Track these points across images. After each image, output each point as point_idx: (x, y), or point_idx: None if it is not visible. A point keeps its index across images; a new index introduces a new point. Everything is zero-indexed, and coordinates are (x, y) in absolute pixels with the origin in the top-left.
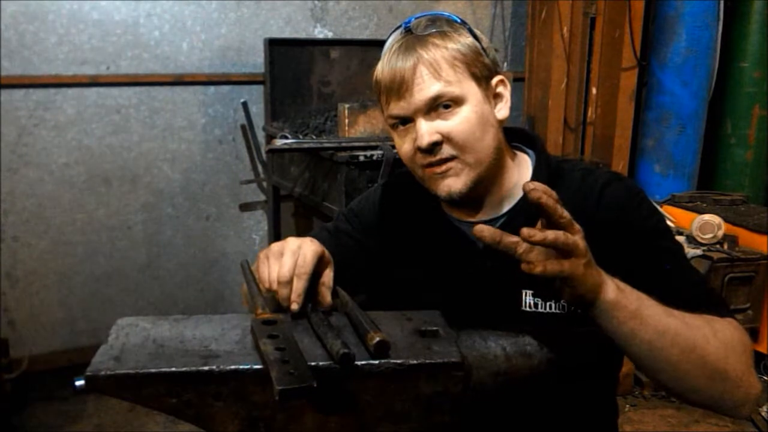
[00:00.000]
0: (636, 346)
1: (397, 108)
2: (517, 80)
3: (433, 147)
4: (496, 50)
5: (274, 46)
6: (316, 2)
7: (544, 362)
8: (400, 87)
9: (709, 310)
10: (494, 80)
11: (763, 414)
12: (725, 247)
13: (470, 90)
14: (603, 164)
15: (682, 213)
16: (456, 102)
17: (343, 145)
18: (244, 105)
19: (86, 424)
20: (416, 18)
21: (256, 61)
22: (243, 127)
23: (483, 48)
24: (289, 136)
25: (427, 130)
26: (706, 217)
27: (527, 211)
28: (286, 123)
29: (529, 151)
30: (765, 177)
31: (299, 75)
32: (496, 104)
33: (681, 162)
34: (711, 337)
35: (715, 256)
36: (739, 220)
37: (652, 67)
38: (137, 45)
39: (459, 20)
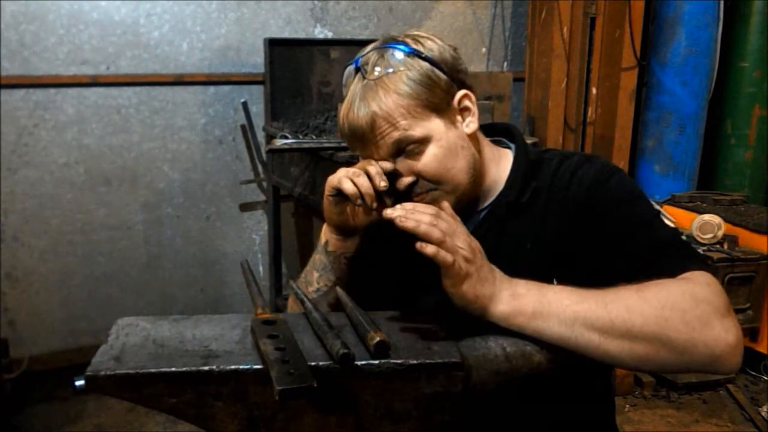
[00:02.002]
0: (548, 341)
1: (366, 154)
2: (517, 80)
3: (410, 188)
4: (454, 50)
5: (274, 46)
6: (316, 2)
7: (544, 362)
8: (361, 140)
9: (670, 271)
10: (456, 98)
11: (763, 414)
12: (725, 247)
13: (431, 125)
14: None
15: (682, 213)
16: (420, 142)
17: (343, 145)
18: (244, 105)
19: (86, 424)
20: (364, 55)
21: (256, 61)
22: (243, 127)
23: (438, 66)
24: (289, 136)
25: (402, 171)
26: (706, 217)
27: (507, 201)
28: (286, 123)
29: (510, 144)
30: (765, 177)
31: (299, 75)
32: (464, 119)
33: (681, 162)
34: (639, 307)
35: (715, 256)
36: (739, 220)
37: (652, 67)
38: (137, 45)
39: (407, 49)
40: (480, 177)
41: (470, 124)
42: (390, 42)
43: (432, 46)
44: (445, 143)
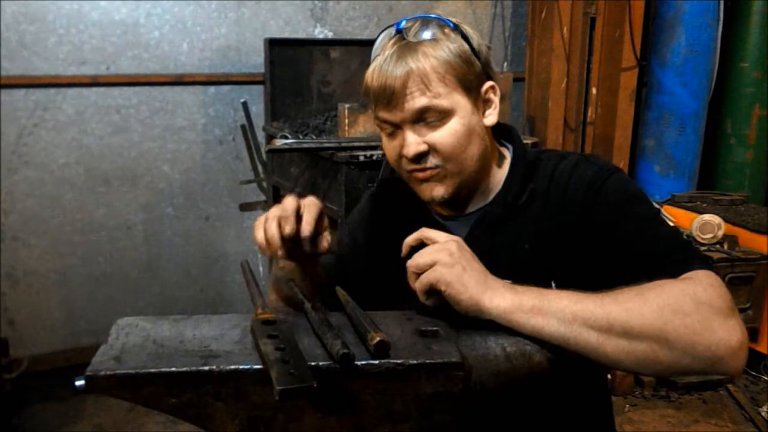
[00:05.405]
0: (547, 339)
1: (385, 113)
2: (517, 80)
3: (419, 157)
4: (488, 47)
5: (274, 46)
6: (316, 2)
7: (544, 362)
8: (390, 98)
9: (673, 271)
10: (484, 87)
11: (763, 414)
12: (725, 247)
13: (459, 102)
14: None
15: (682, 213)
16: (444, 114)
17: (343, 145)
18: (244, 105)
19: (86, 424)
20: (408, 20)
21: (256, 61)
22: (243, 127)
23: (475, 51)
24: (289, 136)
25: (413, 140)
26: (706, 217)
27: (504, 203)
28: (286, 123)
29: (508, 145)
30: (765, 177)
31: (299, 75)
32: (485, 110)
33: (681, 162)
34: (638, 309)
35: (715, 256)
36: (739, 220)
37: (652, 67)
38: (137, 45)
39: (451, 24)
40: (484, 172)
41: (490, 116)
42: (434, 15)
43: (472, 34)
44: (467, 123)
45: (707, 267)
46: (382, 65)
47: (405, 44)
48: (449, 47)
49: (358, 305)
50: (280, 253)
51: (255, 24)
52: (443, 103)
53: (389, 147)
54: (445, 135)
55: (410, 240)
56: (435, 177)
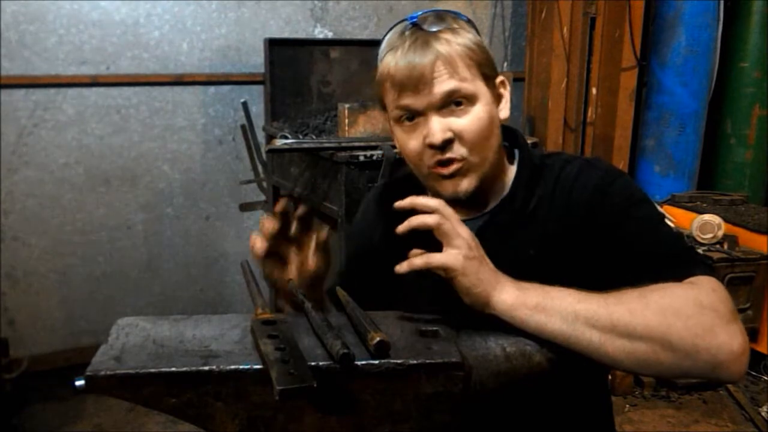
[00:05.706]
0: (549, 337)
1: (410, 100)
2: (517, 80)
3: (446, 145)
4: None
5: (274, 46)
6: (316, 2)
7: (544, 362)
8: (417, 82)
9: (676, 275)
10: (497, 80)
11: (763, 414)
12: (725, 247)
13: (481, 89)
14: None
15: (682, 213)
16: (469, 100)
17: (343, 145)
18: (244, 105)
19: (86, 424)
20: (421, 14)
21: (256, 61)
22: (243, 127)
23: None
24: (289, 136)
25: (440, 127)
26: (706, 217)
27: (512, 210)
28: (286, 123)
29: (513, 149)
30: (765, 177)
31: (299, 75)
32: (497, 104)
33: (681, 162)
34: (641, 310)
35: (715, 256)
36: (739, 220)
37: (652, 67)
38: (137, 45)
39: (464, 17)
40: (499, 168)
41: (503, 110)
42: (446, 9)
43: (480, 35)
44: (489, 110)
45: (710, 272)
46: (407, 53)
47: (425, 33)
48: (467, 36)
49: (359, 306)
50: (273, 224)
51: (255, 24)
52: (469, 87)
53: (408, 140)
54: (470, 122)
55: (425, 203)
56: (459, 171)
